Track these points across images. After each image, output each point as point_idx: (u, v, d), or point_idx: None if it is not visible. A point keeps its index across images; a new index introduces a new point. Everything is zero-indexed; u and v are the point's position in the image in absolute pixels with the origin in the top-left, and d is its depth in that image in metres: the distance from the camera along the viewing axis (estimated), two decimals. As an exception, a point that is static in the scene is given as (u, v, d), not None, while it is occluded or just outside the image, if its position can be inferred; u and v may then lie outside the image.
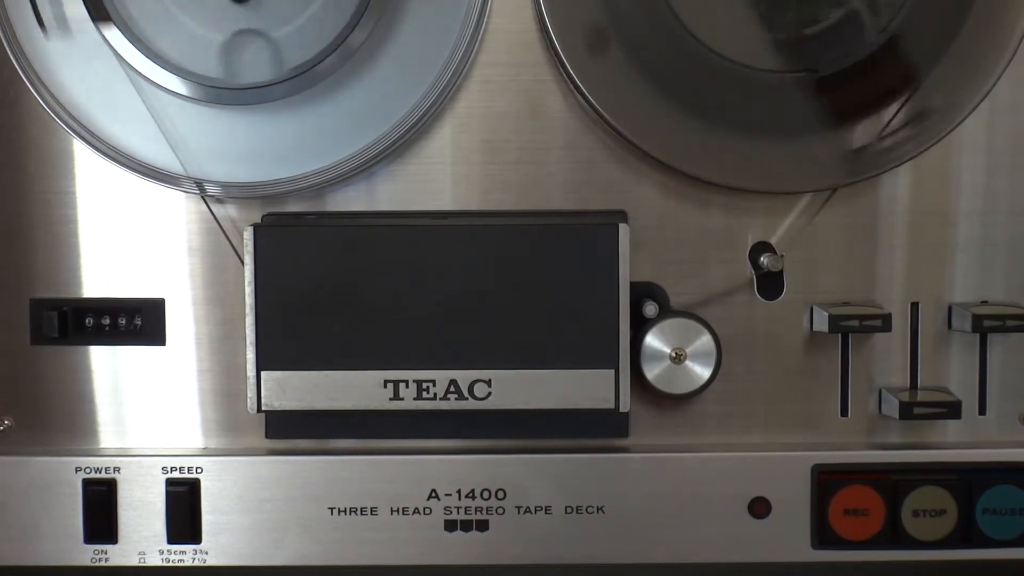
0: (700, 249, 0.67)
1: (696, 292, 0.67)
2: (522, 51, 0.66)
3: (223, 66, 0.64)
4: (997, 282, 0.67)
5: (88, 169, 0.67)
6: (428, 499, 0.66)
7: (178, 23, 0.64)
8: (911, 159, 0.65)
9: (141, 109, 0.65)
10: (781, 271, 0.66)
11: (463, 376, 0.63)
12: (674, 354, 0.65)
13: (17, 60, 0.65)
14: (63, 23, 0.64)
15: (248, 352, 0.63)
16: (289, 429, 0.67)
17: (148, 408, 0.68)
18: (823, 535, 0.66)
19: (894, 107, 0.64)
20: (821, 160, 0.65)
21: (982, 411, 0.67)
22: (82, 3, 0.64)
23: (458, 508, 0.66)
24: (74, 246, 0.67)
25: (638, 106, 0.65)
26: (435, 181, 0.66)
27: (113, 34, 0.64)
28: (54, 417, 0.68)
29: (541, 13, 0.64)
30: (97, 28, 0.64)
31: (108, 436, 0.68)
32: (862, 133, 0.65)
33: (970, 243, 0.66)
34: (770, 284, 0.67)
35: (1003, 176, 0.66)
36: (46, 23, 0.63)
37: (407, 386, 0.63)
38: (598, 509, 0.66)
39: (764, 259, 0.65)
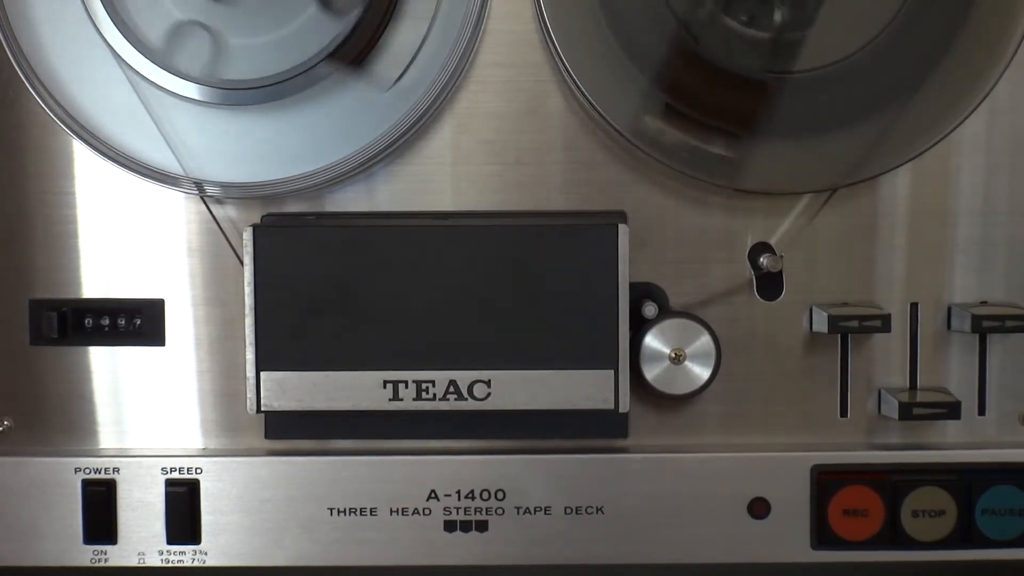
0: (700, 249, 0.67)
1: (696, 293, 0.67)
2: (522, 51, 0.66)
3: (219, 66, 0.64)
4: (997, 282, 0.67)
5: (88, 170, 0.67)
6: (427, 499, 0.66)
7: (175, 21, 0.64)
8: (911, 160, 0.65)
9: (140, 109, 0.65)
10: (781, 272, 0.66)
11: (462, 376, 0.63)
12: (673, 355, 0.65)
13: (16, 60, 0.65)
14: None
15: (247, 352, 0.63)
16: (288, 429, 0.67)
17: (148, 409, 0.68)
18: (822, 535, 0.66)
19: (894, 106, 0.64)
20: (821, 160, 0.65)
21: (982, 411, 0.67)
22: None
23: (457, 508, 0.66)
24: (74, 247, 0.67)
25: (639, 107, 0.64)
26: (435, 181, 0.66)
27: (112, 35, 0.64)
28: (53, 417, 0.68)
29: (541, 13, 0.64)
30: (96, 29, 0.64)
31: (107, 436, 0.68)
32: (861, 133, 0.65)
33: (969, 244, 0.66)
34: (770, 285, 0.67)
35: (1003, 176, 0.66)
36: None
37: (406, 386, 0.63)
38: (598, 509, 0.66)
39: (764, 260, 0.65)
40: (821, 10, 0.63)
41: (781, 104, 0.64)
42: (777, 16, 0.63)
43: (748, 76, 0.63)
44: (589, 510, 0.66)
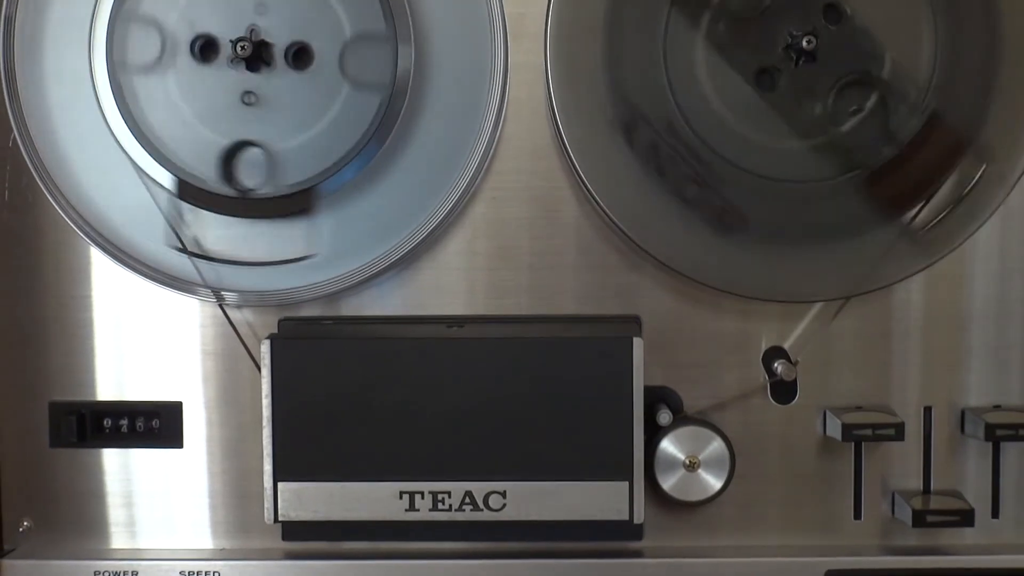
0: (713, 353, 0.67)
1: (710, 396, 0.67)
2: (536, 157, 0.66)
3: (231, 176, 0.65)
4: (1012, 386, 0.67)
5: (104, 274, 0.67)
6: (443, 603, 0.67)
7: (194, 131, 0.65)
8: (926, 268, 0.65)
9: (158, 216, 0.65)
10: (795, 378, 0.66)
11: (478, 488, 0.63)
12: (688, 462, 0.65)
13: (34, 166, 0.65)
14: None
15: (265, 463, 0.63)
16: (306, 532, 0.67)
17: (164, 509, 0.68)
18: (837, 640, 0.67)
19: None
20: (839, 268, 0.65)
21: (995, 515, 0.67)
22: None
23: (473, 612, 0.67)
24: (90, 350, 0.67)
25: (652, 214, 0.65)
26: (448, 286, 0.67)
27: (131, 145, 0.64)
28: (71, 518, 0.68)
29: (555, 120, 0.65)
30: (114, 137, 0.65)
31: (122, 537, 0.68)
32: (897, 228, 0.65)
33: (984, 348, 0.66)
34: (784, 389, 0.67)
35: (1016, 281, 0.66)
36: None
37: (423, 497, 0.63)
38: (612, 614, 0.67)
39: (778, 367, 0.65)
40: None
41: (812, 210, 0.64)
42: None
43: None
44: (604, 615, 0.67)
